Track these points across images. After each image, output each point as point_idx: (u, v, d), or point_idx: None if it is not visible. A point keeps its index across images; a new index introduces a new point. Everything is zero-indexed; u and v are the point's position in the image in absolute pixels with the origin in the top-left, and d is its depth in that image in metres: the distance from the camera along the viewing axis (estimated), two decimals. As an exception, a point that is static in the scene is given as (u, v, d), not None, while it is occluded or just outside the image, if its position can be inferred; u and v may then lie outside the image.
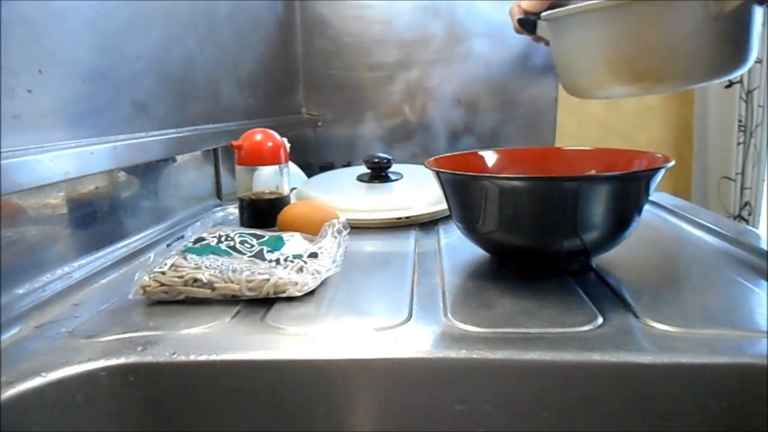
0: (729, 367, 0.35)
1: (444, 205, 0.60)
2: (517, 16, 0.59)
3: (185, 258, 0.49)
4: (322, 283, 0.49)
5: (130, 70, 0.66)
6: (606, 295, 0.46)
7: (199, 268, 0.47)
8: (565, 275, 0.50)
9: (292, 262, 0.50)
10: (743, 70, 0.48)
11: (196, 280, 0.46)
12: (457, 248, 0.60)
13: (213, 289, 0.46)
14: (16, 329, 0.42)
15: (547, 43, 0.58)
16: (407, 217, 0.70)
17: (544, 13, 0.55)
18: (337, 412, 0.37)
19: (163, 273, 0.46)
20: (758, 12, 0.46)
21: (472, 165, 0.61)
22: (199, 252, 0.51)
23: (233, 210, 0.81)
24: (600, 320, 0.41)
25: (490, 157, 0.63)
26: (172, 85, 0.76)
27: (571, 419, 0.36)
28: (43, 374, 0.35)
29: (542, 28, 0.58)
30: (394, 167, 0.79)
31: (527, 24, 0.59)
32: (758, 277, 0.49)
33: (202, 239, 0.54)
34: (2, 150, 0.46)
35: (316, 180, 0.83)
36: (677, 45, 0.46)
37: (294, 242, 0.55)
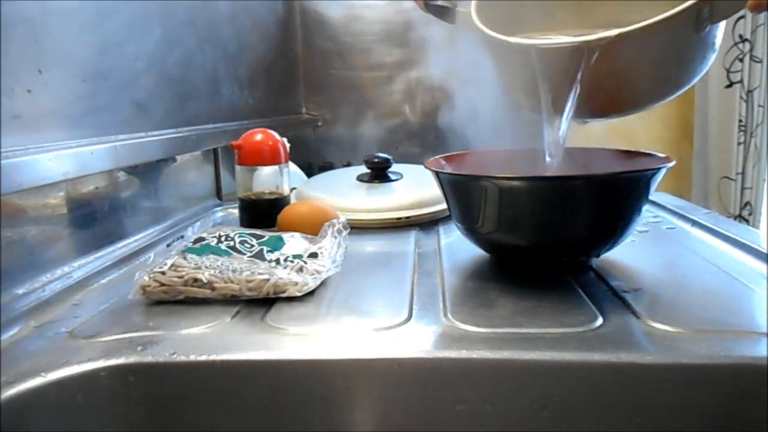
0: (729, 367, 0.35)
1: (444, 205, 0.60)
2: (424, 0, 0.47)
3: (185, 258, 0.49)
4: (322, 283, 0.49)
5: (130, 70, 0.66)
6: (606, 295, 0.46)
7: (199, 268, 0.47)
8: (565, 275, 0.50)
9: (292, 262, 0.50)
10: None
11: (196, 280, 0.46)
12: (457, 248, 0.60)
13: (213, 289, 0.46)
14: (16, 329, 0.42)
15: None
16: (407, 217, 0.70)
17: (484, 28, 0.46)
18: (337, 412, 0.37)
19: (163, 273, 0.46)
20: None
21: (472, 165, 0.61)
22: (199, 252, 0.51)
23: (233, 210, 0.81)
24: (600, 320, 0.41)
25: (489, 157, 0.63)
26: (171, 85, 0.76)
27: (571, 419, 0.36)
28: (43, 374, 0.35)
29: (463, 18, 0.49)
30: (394, 167, 0.79)
31: (440, 12, 0.48)
32: (758, 277, 0.49)
33: (202, 239, 0.54)
34: (2, 150, 0.46)
35: (316, 180, 0.83)
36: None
37: (294, 242, 0.55)
